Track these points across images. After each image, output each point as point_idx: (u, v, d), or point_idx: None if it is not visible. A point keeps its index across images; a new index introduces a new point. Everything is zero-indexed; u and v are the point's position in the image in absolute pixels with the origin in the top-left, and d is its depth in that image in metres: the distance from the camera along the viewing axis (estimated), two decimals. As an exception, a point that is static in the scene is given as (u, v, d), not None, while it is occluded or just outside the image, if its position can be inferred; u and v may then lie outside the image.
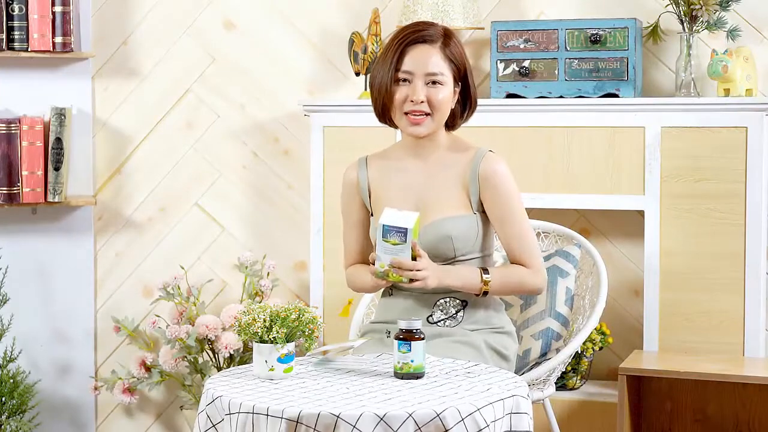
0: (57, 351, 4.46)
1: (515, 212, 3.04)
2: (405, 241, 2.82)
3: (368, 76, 4.10)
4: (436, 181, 3.07)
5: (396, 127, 3.09)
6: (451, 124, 3.12)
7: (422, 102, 3.00)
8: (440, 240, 3.01)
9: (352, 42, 4.10)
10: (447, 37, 3.05)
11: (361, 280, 3.12)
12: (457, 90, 3.07)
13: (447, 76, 3.03)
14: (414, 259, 2.87)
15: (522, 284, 3.04)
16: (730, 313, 3.71)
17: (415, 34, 3.03)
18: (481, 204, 3.04)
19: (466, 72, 3.07)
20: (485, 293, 3.00)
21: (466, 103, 3.11)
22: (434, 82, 3.01)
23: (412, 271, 2.86)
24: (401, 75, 3.02)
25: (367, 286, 3.12)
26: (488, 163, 3.04)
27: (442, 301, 3.06)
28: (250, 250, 4.37)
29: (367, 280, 3.06)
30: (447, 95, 3.03)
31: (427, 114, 3.02)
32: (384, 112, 3.07)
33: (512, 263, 3.07)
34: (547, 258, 3.50)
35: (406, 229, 2.81)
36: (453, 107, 3.07)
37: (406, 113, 3.02)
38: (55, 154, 4.23)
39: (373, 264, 2.89)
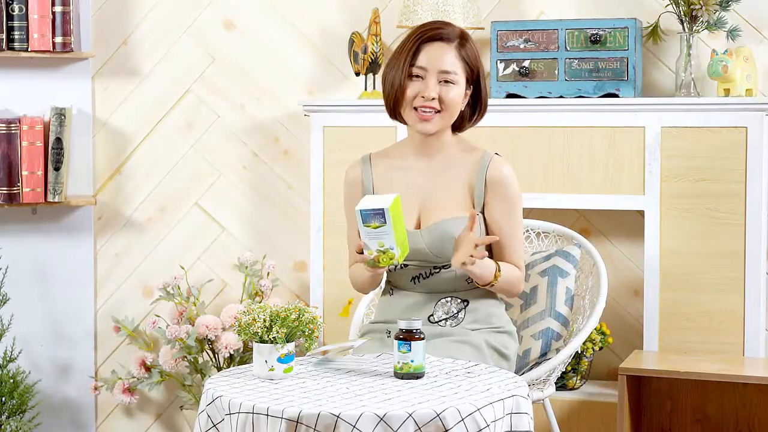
0: (57, 351, 4.46)
1: (515, 219, 3.06)
2: (385, 222, 2.80)
3: (367, 75, 4.10)
4: (441, 181, 3.07)
5: (406, 123, 3.10)
6: (458, 126, 3.12)
7: (433, 99, 3.01)
8: (443, 240, 3.01)
9: (352, 42, 4.10)
10: (463, 38, 3.07)
11: (362, 277, 3.12)
12: (469, 92, 3.08)
13: (460, 75, 3.04)
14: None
15: (514, 285, 3.06)
16: (730, 313, 3.71)
17: (431, 32, 3.05)
18: (484, 207, 3.05)
19: (479, 75, 3.08)
20: (490, 285, 3.01)
21: (475, 106, 3.11)
22: (447, 81, 3.02)
23: (473, 257, 2.89)
24: (415, 71, 3.03)
25: (367, 281, 3.11)
26: (497, 166, 3.05)
27: (443, 300, 3.06)
28: (250, 250, 4.37)
29: (365, 273, 3.07)
30: (458, 95, 3.03)
31: (437, 111, 3.02)
32: (395, 107, 3.08)
33: None
34: (547, 258, 3.50)
35: (383, 209, 2.80)
36: (462, 109, 3.08)
37: (415, 109, 3.03)
38: (55, 154, 4.23)
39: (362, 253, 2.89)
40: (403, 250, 2.85)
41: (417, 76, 3.03)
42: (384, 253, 2.83)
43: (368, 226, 2.82)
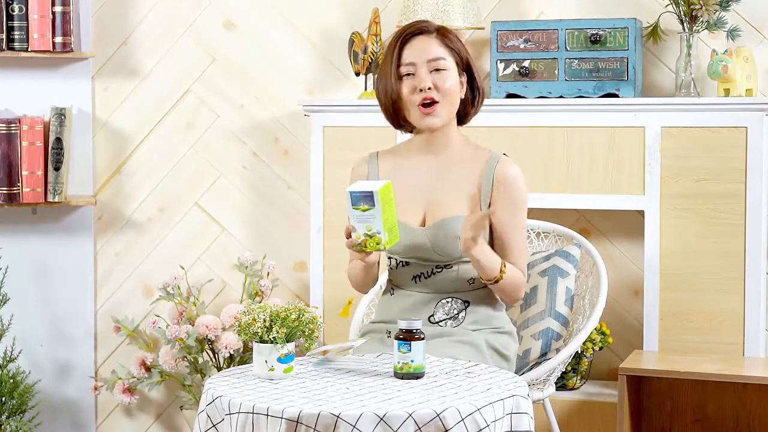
0: (57, 351, 4.46)
1: (519, 222, 3.06)
2: (374, 205, 2.81)
3: (367, 76, 4.10)
4: (447, 180, 3.07)
5: (412, 128, 3.08)
6: (463, 114, 3.11)
7: (430, 88, 3.01)
8: (448, 238, 3.01)
9: (352, 42, 4.10)
10: (442, 28, 3.08)
11: (356, 270, 3.12)
12: (464, 81, 3.08)
13: (449, 61, 3.04)
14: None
15: (517, 288, 3.04)
16: (730, 313, 3.71)
17: (410, 29, 3.07)
18: (490, 205, 3.04)
19: (469, 61, 3.08)
20: (495, 282, 3.00)
21: (474, 93, 3.11)
22: (438, 69, 3.02)
23: (472, 231, 2.88)
24: (404, 69, 3.03)
25: (360, 274, 3.11)
26: (505, 166, 3.05)
27: (444, 301, 3.06)
28: (250, 250, 4.37)
29: (359, 266, 3.07)
30: (453, 81, 3.03)
31: (437, 102, 3.01)
32: (396, 114, 3.07)
33: None
34: (547, 258, 3.50)
35: (372, 192, 2.80)
36: (462, 97, 3.08)
37: (417, 105, 3.02)
38: (55, 154, 4.23)
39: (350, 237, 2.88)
40: (392, 237, 2.85)
41: (408, 74, 3.03)
42: (371, 237, 2.84)
43: (357, 209, 2.83)
